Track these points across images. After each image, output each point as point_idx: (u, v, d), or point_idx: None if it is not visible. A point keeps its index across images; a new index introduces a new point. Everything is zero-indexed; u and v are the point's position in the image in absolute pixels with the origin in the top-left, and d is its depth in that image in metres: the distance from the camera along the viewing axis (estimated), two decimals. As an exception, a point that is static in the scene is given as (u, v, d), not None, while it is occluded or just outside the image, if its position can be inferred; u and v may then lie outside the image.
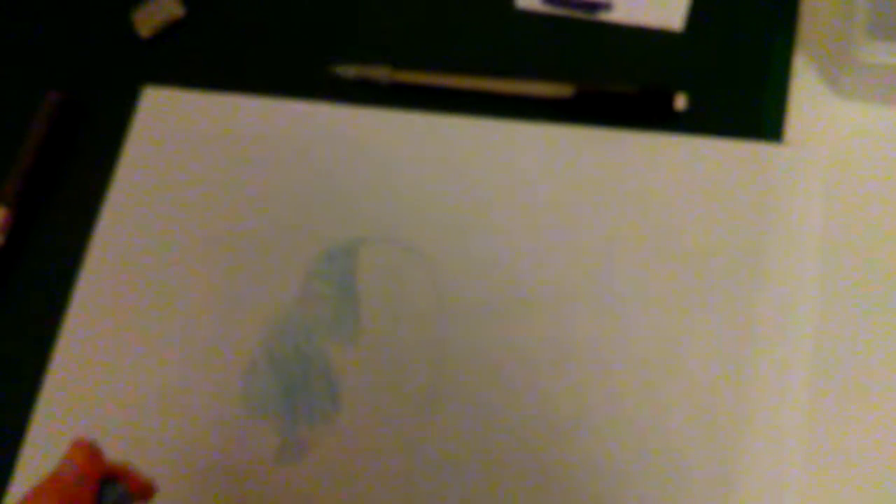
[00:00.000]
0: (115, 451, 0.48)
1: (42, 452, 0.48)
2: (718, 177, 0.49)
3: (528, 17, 0.54)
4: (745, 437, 0.44)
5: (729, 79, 0.51)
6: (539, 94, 0.52)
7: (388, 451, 0.47)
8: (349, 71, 0.54)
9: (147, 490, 0.41)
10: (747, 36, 0.52)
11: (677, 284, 0.47)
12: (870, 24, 0.46)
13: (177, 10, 0.57)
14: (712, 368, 0.46)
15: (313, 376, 0.48)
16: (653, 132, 0.50)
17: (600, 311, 0.48)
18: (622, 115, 0.51)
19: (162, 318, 0.50)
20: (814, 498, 0.43)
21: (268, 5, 0.57)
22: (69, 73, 0.57)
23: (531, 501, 0.45)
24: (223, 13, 0.57)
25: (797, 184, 0.48)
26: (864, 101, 0.49)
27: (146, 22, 0.57)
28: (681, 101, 0.50)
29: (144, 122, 0.55)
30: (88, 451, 0.40)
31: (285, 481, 0.47)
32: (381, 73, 0.53)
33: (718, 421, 0.45)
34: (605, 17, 0.54)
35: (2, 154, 0.55)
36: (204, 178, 0.53)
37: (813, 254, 0.47)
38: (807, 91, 0.50)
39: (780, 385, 0.45)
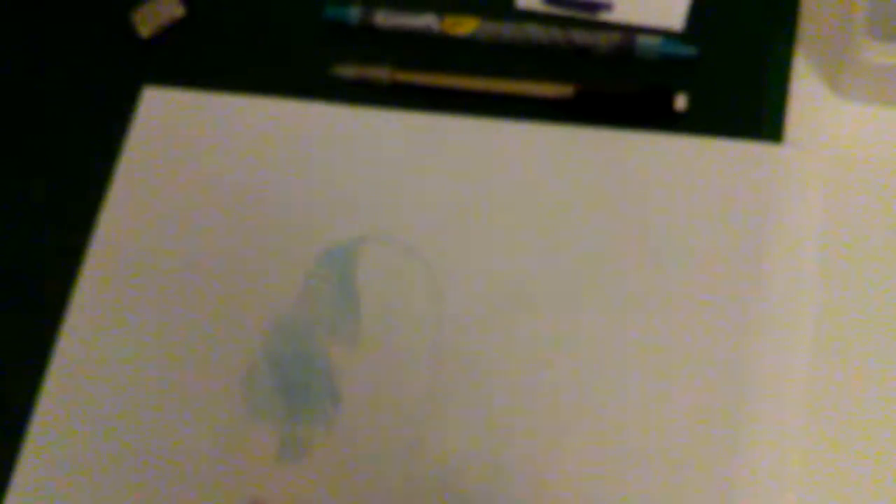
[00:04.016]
0: (114, 452, 0.48)
1: (42, 452, 0.48)
2: (718, 177, 0.49)
3: (529, 17, 0.54)
4: (745, 437, 0.44)
5: (729, 79, 0.51)
6: (539, 94, 0.52)
7: (388, 451, 0.47)
8: (349, 71, 0.54)
9: None
10: (747, 36, 0.52)
11: (676, 284, 0.47)
12: (870, 24, 0.47)
13: (177, 10, 0.57)
14: (711, 368, 0.46)
15: (313, 376, 0.48)
16: (653, 132, 0.50)
17: (599, 310, 0.48)
18: (622, 115, 0.51)
19: (162, 317, 0.50)
20: (813, 498, 0.43)
21: (268, 5, 0.57)
22: (69, 73, 0.57)
23: (531, 501, 0.45)
24: (223, 13, 0.57)
25: (797, 184, 0.48)
26: (864, 102, 0.49)
27: (146, 22, 0.57)
28: (681, 101, 0.50)
29: (144, 122, 0.55)
30: None
31: (285, 481, 0.47)
32: (381, 73, 0.53)
33: (718, 420, 0.45)
34: (605, 17, 0.54)
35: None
36: (204, 178, 0.53)
37: (813, 254, 0.47)
38: (807, 91, 0.50)
39: (779, 385, 0.45)
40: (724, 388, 0.45)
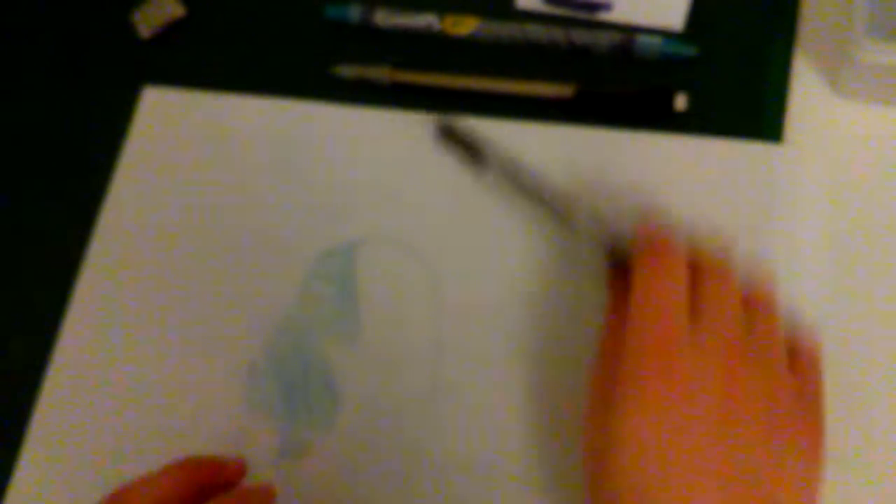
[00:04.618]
0: (114, 451, 0.48)
1: (42, 452, 0.49)
2: (718, 177, 0.49)
3: (529, 17, 0.54)
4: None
5: (729, 79, 0.51)
6: (539, 94, 0.52)
7: (388, 451, 0.47)
8: (349, 71, 0.54)
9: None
10: (747, 36, 0.52)
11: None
12: (870, 24, 0.46)
13: (177, 10, 0.57)
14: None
15: (313, 376, 0.48)
16: (653, 132, 0.50)
17: (599, 310, 0.48)
18: (622, 115, 0.51)
19: (162, 317, 0.50)
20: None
21: (268, 5, 0.57)
22: (69, 73, 0.57)
23: (531, 501, 0.45)
24: (223, 13, 0.57)
25: (797, 184, 0.48)
26: (864, 101, 0.49)
27: (146, 22, 0.57)
28: (681, 101, 0.50)
29: (144, 122, 0.55)
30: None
31: (285, 481, 0.47)
32: (381, 73, 0.53)
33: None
34: (605, 17, 0.54)
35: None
36: (204, 177, 0.53)
37: (813, 254, 0.47)
38: (807, 91, 0.50)
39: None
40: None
